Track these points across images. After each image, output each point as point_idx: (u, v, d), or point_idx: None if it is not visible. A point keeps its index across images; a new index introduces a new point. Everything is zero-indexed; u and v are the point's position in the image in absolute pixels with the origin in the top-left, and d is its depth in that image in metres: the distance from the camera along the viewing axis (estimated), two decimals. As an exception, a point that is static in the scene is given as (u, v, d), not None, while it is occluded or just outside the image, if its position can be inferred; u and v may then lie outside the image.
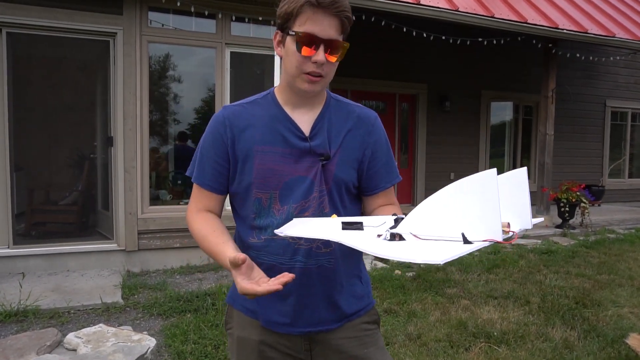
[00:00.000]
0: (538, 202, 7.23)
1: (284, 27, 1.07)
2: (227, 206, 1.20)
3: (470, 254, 5.20)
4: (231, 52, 4.95)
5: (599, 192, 9.31)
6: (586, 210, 6.86)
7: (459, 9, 5.90)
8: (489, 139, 9.49)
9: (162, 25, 4.76)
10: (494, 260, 5.01)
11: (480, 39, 6.40)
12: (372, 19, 5.43)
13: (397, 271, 4.52)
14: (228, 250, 1.00)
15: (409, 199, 9.07)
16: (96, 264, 4.48)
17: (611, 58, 8.42)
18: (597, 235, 6.59)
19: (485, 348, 2.93)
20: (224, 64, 4.91)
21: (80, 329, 3.09)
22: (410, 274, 4.51)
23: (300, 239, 1.08)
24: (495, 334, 3.12)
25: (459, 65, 8.45)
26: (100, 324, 3.12)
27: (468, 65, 8.54)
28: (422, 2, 5.65)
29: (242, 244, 1.15)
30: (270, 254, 1.10)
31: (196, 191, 1.17)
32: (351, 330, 1.17)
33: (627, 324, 3.35)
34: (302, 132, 1.12)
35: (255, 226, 1.12)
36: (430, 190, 9.08)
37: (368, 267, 4.71)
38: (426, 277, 4.35)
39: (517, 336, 3.10)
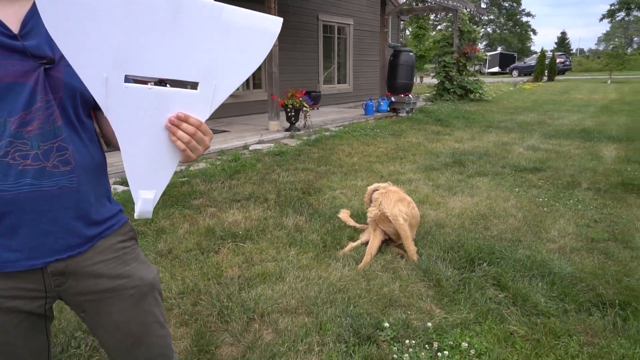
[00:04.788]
0: (269, 109, 7.90)
1: None
2: None
3: (213, 164, 5.32)
4: None
5: (317, 97, 10.79)
6: (308, 114, 7.90)
7: None
8: (222, 50, 9.58)
9: None
10: (235, 167, 5.35)
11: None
12: None
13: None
14: None
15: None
16: None
17: (320, -26, 9.36)
18: (316, 134, 7.75)
19: (232, 247, 3.21)
20: None
21: None
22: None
23: (26, 158, 0.92)
24: (240, 232, 3.44)
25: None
26: None
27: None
28: None
29: None
30: None
31: None
32: (107, 252, 1.09)
33: (339, 202, 4.19)
34: (7, 29, 0.92)
35: None
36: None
37: (107, 192, 4.35)
38: (171, 192, 4.33)
39: (258, 230, 3.49)
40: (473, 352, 2.09)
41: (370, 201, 3.29)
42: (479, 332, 2.25)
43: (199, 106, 0.93)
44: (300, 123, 7.99)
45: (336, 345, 2.14)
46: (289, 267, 2.89)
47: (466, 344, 2.13)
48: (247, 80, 10.32)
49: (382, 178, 5.04)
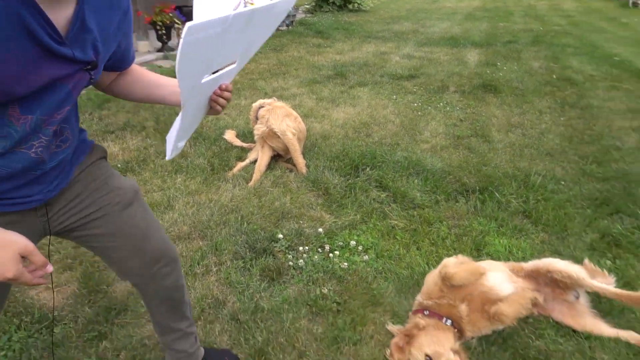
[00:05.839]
0: (136, 27, 7.08)
1: None
2: None
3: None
4: None
5: (189, 12, 9.88)
6: (181, 31, 7.25)
7: None
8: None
9: None
10: (103, 96, 4.81)
11: None
12: None
13: None
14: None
15: None
16: None
17: None
18: (193, 53, 7.21)
19: (112, 181, 2.98)
20: None
21: None
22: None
23: (48, 148, 0.99)
24: (119, 165, 3.19)
25: None
26: None
27: None
28: None
29: None
30: (16, 162, 0.95)
31: None
32: (81, 173, 1.15)
33: (223, 123, 4.06)
34: (57, 34, 0.84)
35: None
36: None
37: None
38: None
39: (139, 161, 3.27)
40: (360, 248, 2.29)
41: (257, 119, 3.24)
42: (365, 230, 2.45)
43: (233, 74, 1.09)
44: (173, 42, 7.34)
45: (234, 262, 2.18)
46: (177, 194, 2.79)
47: (354, 242, 2.32)
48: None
49: (267, 95, 4.94)
